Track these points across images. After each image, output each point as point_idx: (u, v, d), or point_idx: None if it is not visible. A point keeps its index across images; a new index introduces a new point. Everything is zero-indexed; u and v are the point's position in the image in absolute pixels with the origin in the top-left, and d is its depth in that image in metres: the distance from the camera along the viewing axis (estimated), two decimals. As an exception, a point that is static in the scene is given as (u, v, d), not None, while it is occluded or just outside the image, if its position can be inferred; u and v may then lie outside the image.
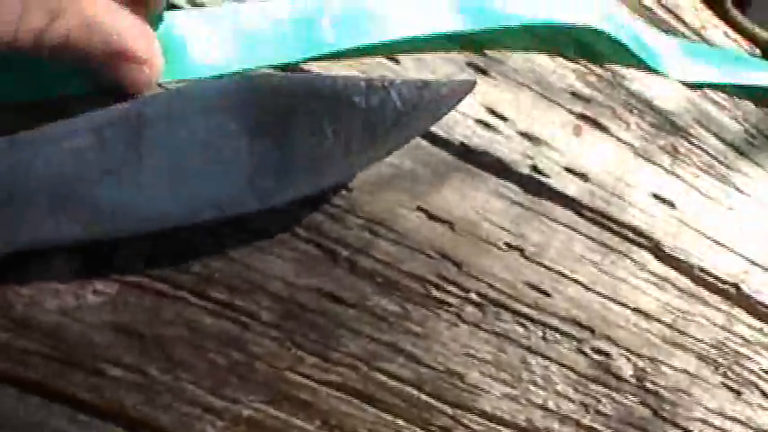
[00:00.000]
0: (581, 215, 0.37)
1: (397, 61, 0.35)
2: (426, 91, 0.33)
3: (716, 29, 0.44)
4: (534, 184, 0.37)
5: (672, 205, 0.38)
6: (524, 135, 0.37)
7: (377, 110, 0.32)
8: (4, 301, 0.29)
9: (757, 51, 0.45)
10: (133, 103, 0.30)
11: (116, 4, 0.30)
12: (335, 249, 0.34)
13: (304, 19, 0.35)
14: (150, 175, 0.30)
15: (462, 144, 0.36)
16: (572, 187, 0.37)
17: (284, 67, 0.34)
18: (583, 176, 0.37)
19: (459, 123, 0.36)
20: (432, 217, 0.35)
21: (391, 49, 0.35)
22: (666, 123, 0.39)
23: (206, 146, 0.31)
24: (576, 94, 0.38)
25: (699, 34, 0.43)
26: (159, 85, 0.31)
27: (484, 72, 0.37)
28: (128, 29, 0.30)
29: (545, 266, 0.36)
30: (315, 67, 0.34)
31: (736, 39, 0.45)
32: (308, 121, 0.32)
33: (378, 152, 0.33)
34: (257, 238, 0.33)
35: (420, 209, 0.35)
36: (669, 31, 0.42)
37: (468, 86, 0.34)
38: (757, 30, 0.45)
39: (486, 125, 0.36)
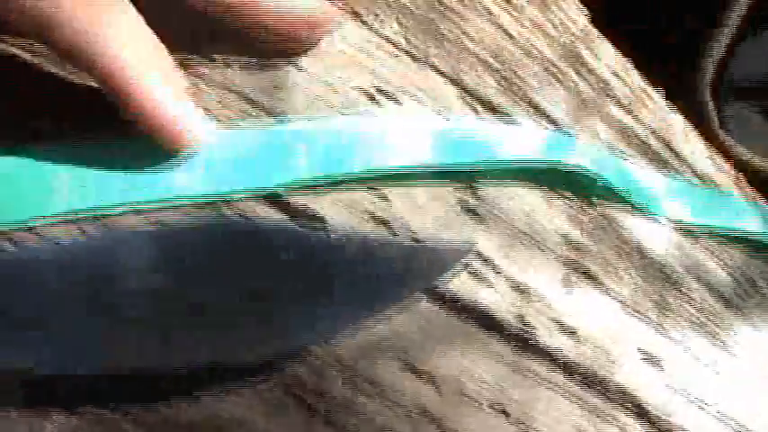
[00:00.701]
0: (568, 374, 0.37)
1: (385, 198, 0.35)
2: (419, 256, 0.34)
3: (704, 156, 0.44)
4: (521, 340, 0.37)
5: (659, 366, 0.38)
6: (514, 286, 0.37)
7: (366, 273, 0.33)
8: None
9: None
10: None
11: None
12: (313, 403, 0.34)
13: (279, 144, 0.35)
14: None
15: (450, 296, 0.36)
16: (559, 344, 0.37)
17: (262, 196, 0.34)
18: (571, 332, 0.37)
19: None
20: (417, 374, 0.35)
21: (375, 181, 0.36)
22: (656, 271, 0.40)
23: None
24: (567, 239, 0.38)
25: (687, 163, 0.43)
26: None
27: (475, 214, 0.37)
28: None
29: (529, 428, 0.36)
30: (297, 199, 0.34)
31: (723, 167, 0.45)
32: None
33: (365, 315, 0.34)
34: (231, 382, 0.33)
35: (405, 364, 0.35)
36: (660, 161, 0.42)
37: (464, 252, 0.35)
38: (754, 158, 0.45)
39: (476, 275, 0.36)
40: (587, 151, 0.39)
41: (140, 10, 0.31)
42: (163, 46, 0.32)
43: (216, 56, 0.36)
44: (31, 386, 0.31)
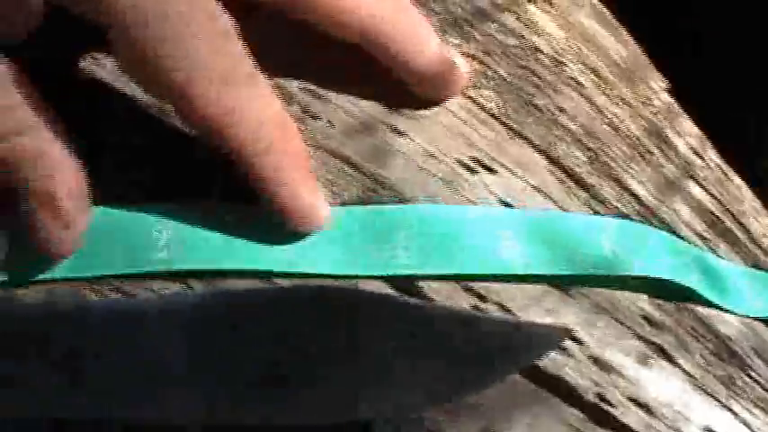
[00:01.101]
0: None
1: (483, 298, 0.38)
2: (520, 333, 0.35)
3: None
4: (599, 413, 0.38)
5: (724, 444, 0.39)
6: (595, 361, 0.38)
7: (468, 343, 0.35)
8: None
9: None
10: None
11: None
12: None
13: (377, 230, 0.37)
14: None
15: (535, 366, 0.37)
16: (634, 419, 0.39)
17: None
18: (645, 408, 0.39)
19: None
20: None
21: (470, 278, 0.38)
22: (726, 352, 0.42)
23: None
24: (647, 319, 0.40)
25: (759, 245, 0.46)
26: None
27: (562, 289, 0.39)
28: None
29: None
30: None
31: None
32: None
33: (458, 392, 0.35)
34: None
35: (485, 430, 0.37)
36: (732, 240, 0.45)
37: (562, 336, 0.36)
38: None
39: (562, 348, 0.38)
40: (670, 246, 0.41)
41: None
42: (290, 120, 0.34)
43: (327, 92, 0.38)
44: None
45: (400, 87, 0.38)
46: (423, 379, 0.34)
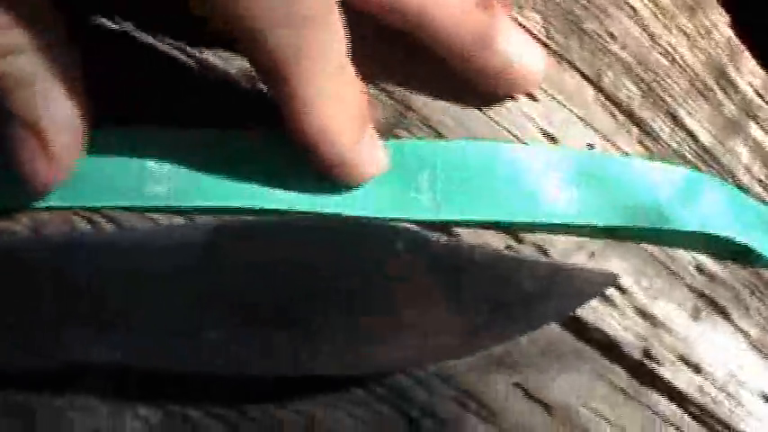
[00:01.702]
0: (687, 411, 0.37)
1: (519, 239, 0.36)
2: (560, 277, 0.33)
3: None
4: (644, 372, 0.37)
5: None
6: (641, 313, 0.37)
7: (503, 286, 0.32)
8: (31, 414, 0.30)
9: None
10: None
11: None
12: (418, 417, 0.33)
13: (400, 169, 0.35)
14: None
15: (575, 316, 0.35)
16: (682, 379, 0.37)
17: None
18: (695, 368, 0.37)
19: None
20: (529, 396, 0.35)
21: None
22: None
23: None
24: (700, 269, 0.38)
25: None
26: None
27: (611, 234, 0.37)
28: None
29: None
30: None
31: None
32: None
33: (501, 334, 0.33)
34: (327, 391, 0.33)
35: (518, 386, 0.35)
36: None
37: (608, 280, 0.34)
38: None
39: (604, 297, 0.36)
40: (733, 200, 0.39)
41: None
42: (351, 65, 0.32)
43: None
44: (119, 379, 0.32)
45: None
46: (441, 328, 0.32)
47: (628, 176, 0.36)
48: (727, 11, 0.45)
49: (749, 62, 0.44)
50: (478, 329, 0.32)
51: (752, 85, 0.43)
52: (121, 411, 0.32)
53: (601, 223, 0.36)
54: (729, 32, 0.44)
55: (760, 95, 0.43)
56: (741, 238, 0.37)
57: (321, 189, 0.34)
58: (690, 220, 0.36)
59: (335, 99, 0.31)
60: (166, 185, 0.33)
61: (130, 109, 0.33)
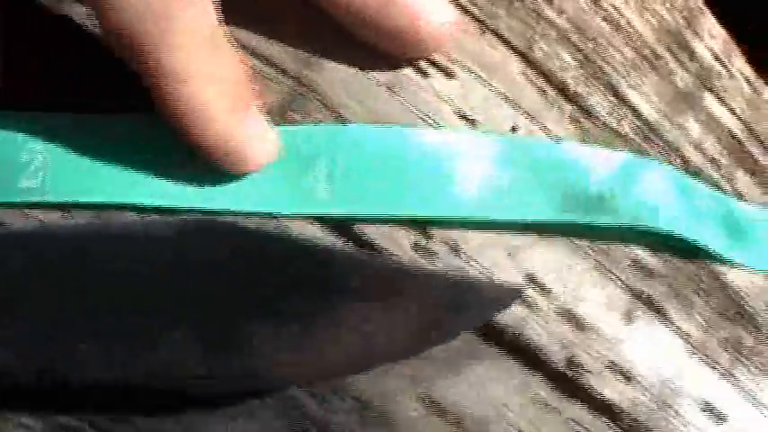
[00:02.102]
0: (617, 425, 0.35)
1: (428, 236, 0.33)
2: (470, 294, 0.32)
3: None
4: (568, 381, 0.34)
5: (722, 420, 0.35)
6: (566, 315, 0.35)
7: (413, 306, 0.31)
8: None
9: None
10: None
11: None
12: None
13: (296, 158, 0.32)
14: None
15: (490, 322, 0.33)
16: (611, 389, 0.35)
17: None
18: (626, 376, 0.35)
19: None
20: (436, 408, 0.33)
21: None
22: (734, 308, 0.38)
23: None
24: (637, 264, 0.36)
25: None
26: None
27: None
28: None
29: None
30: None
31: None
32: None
33: (408, 352, 0.32)
34: (217, 401, 0.32)
35: (424, 398, 0.33)
36: (750, 161, 0.40)
37: (515, 295, 0.33)
38: None
39: (523, 300, 0.34)
40: (675, 186, 0.36)
41: None
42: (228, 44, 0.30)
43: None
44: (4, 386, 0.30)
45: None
46: (346, 340, 0.31)
47: (555, 163, 0.34)
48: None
49: (709, 22, 0.40)
50: (367, 347, 0.31)
51: (710, 50, 0.40)
52: (5, 420, 0.31)
53: (523, 218, 0.33)
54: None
55: (719, 60, 0.40)
56: (685, 232, 0.34)
57: (205, 180, 0.32)
58: (625, 213, 0.34)
59: (206, 74, 0.29)
60: (41, 179, 0.31)
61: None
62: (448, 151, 0.33)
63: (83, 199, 0.31)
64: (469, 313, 0.32)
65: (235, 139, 0.30)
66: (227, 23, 0.30)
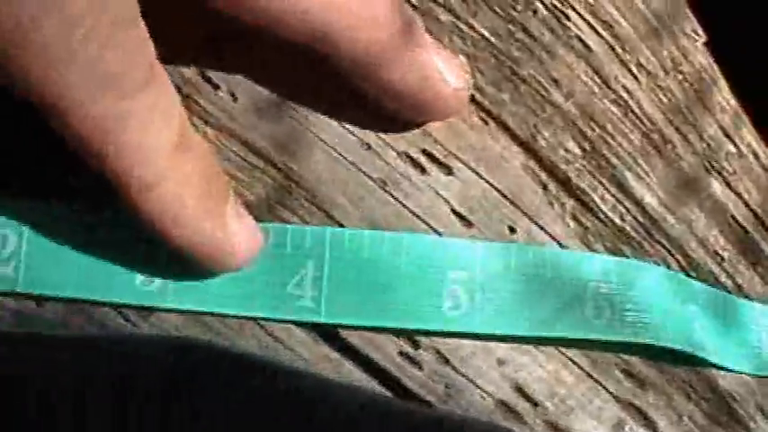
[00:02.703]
0: None
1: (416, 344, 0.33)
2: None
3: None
4: None
5: None
6: (554, 428, 0.35)
7: None
8: None
9: None
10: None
11: None
12: None
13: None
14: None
15: None
16: None
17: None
18: None
19: (477, 408, 0.33)
20: None
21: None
22: (725, 413, 0.38)
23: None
24: (628, 373, 0.36)
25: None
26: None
27: None
28: None
29: None
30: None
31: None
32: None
33: None
34: None
35: None
36: (756, 262, 0.40)
37: None
38: None
39: (511, 411, 0.34)
40: (672, 294, 0.35)
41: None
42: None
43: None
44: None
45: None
46: None
47: (552, 273, 0.34)
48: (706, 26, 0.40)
49: (721, 94, 0.39)
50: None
51: (720, 126, 0.39)
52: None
53: (513, 333, 0.33)
54: (702, 59, 0.39)
55: (729, 136, 0.39)
56: (681, 345, 0.34)
57: (180, 277, 0.31)
58: (621, 328, 0.33)
59: (175, 177, 0.28)
60: (13, 266, 0.30)
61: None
62: (441, 259, 0.33)
63: (54, 293, 0.31)
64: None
65: (214, 239, 0.30)
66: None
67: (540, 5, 0.36)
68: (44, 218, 0.31)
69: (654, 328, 0.35)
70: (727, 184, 0.40)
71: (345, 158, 0.33)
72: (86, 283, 0.31)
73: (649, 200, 0.37)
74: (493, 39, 0.35)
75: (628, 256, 0.36)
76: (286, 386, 0.30)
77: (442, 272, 0.33)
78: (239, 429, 0.29)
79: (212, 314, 0.31)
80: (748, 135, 0.41)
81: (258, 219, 0.31)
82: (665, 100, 0.38)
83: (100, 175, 0.28)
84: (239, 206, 0.31)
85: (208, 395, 0.29)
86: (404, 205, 0.33)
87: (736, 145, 0.40)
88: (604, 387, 0.35)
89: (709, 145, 0.39)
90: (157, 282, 0.31)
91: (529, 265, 0.33)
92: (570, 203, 0.35)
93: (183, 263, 0.30)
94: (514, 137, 0.35)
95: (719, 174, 0.39)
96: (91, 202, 0.31)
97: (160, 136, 0.27)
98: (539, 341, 0.34)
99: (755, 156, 0.41)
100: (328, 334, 0.32)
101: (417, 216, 0.33)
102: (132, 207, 0.28)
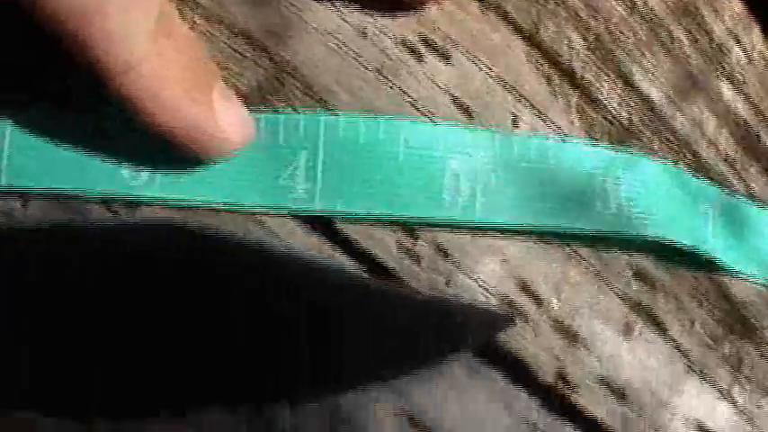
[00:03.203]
0: None
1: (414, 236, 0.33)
2: (459, 320, 0.31)
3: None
4: (556, 399, 0.34)
5: (716, 440, 0.35)
6: (559, 328, 0.34)
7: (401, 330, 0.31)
8: None
9: None
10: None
11: None
12: None
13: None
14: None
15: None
16: (603, 408, 0.35)
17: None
18: (620, 394, 0.35)
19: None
20: (414, 425, 0.32)
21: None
22: (737, 321, 0.38)
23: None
24: (639, 275, 0.36)
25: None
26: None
27: None
28: None
29: None
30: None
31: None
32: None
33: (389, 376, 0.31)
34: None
35: (401, 412, 0.32)
36: (758, 151, 0.39)
37: (508, 323, 0.32)
38: None
39: (514, 308, 0.33)
40: (683, 191, 0.35)
41: None
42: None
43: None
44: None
45: None
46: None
47: (556, 164, 0.34)
48: None
49: (732, -2, 0.39)
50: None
51: (728, 29, 0.39)
52: None
53: (517, 223, 0.33)
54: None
55: (737, 40, 0.39)
56: (691, 243, 0.34)
57: (168, 167, 0.31)
58: (628, 222, 0.33)
59: (158, 60, 0.28)
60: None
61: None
62: (440, 148, 0.32)
63: (42, 185, 0.30)
64: (457, 340, 0.31)
65: (198, 123, 0.29)
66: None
67: None
68: (29, 112, 0.30)
69: (662, 225, 0.34)
70: (737, 88, 0.39)
71: (340, 46, 0.32)
72: (72, 175, 0.30)
73: (656, 96, 0.36)
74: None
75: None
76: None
77: (443, 161, 0.32)
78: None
79: (202, 207, 0.31)
80: (758, 40, 0.41)
81: (250, 110, 0.31)
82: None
83: (84, 64, 0.27)
84: (229, 93, 0.30)
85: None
86: (402, 94, 0.32)
87: (744, 49, 0.40)
88: (613, 288, 0.35)
89: (717, 46, 0.39)
90: (145, 175, 0.30)
91: (532, 156, 0.33)
92: (574, 97, 0.35)
93: (170, 152, 0.30)
94: (516, 27, 0.34)
95: (729, 77, 0.39)
96: (78, 104, 0.30)
97: (139, 21, 0.27)
98: (543, 237, 0.34)
99: (765, 60, 0.41)
100: (325, 227, 0.32)
101: (415, 106, 0.32)
102: (114, 89, 0.28)
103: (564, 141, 0.34)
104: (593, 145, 0.34)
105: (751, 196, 0.38)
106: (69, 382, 0.29)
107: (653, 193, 0.34)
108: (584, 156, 0.34)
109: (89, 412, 0.29)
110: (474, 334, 0.31)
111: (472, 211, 0.32)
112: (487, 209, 0.32)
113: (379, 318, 0.30)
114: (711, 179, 0.37)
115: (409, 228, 0.32)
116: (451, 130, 0.32)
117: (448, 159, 0.32)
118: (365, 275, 0.32)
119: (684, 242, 0.35)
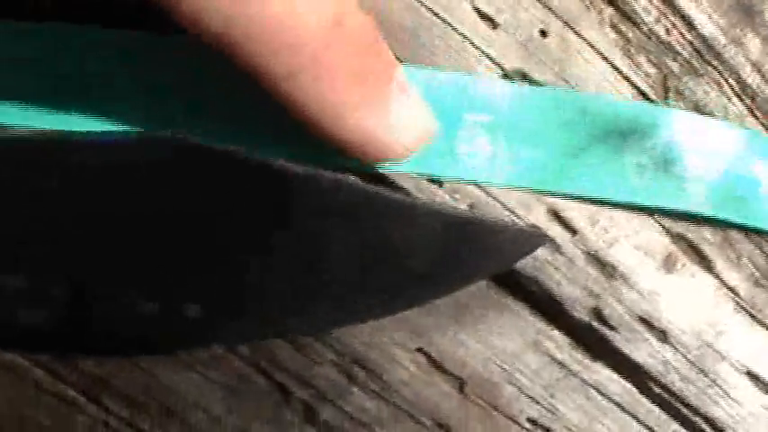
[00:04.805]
0: (645, 393, 0.34)
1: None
2: (484, 236, 0.29)
3: None
4: (591, 338, 0.34)
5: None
6: (595, 261, 0.34)
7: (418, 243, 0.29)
8: None
9: None
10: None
11: None
12: (290, 387, 0.31)
13: None
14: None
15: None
16: (643, 349, 0.34)
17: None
18: (661, 334, 0.34)
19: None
20: (435, 366, 0.32)
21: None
22: None
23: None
24: None
25: None
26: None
27: None
28: None
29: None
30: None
31: None
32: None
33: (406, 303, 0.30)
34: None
35: (421, 352, 0.32)
36: None
37: (537, 242, 0.31)
38: None
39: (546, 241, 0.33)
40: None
41: None
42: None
43: None
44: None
45: None
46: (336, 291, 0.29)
47: (584, 109, 0.33)
48: None
49: None
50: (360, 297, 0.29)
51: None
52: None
53: (537, 186, 0.32)
54: None
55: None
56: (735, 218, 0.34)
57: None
58: (666, 182, 0.33)
59: (329, 61, 0.26)
60: None
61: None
62: (457, 101, 0.32)
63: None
64: (482, 260, 0.30)
65: (371, 131, 0.27)
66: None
67: None
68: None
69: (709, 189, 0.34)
70: (784, 10, 0.39)
71: (387, 15, 0.31)
72: None
73: (698, 16, 0.35)
74: None
75: (675, 73, 0.34)
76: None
77: (457, 113, 0.31)
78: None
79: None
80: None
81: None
82: None
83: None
84: (406, 84, 0.28)
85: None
86: (422, 4, 0.32)
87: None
88: (654, 217, 0.34)
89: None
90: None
91: (552, 106, 0.32)
92: (608, 11, 0.34)
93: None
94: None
95: (775, -1, 0.38)
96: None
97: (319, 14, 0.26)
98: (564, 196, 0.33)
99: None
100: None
101: (437, 14, 0.32)
102: (285, 102, 0.26)
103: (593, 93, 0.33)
104: (623, 97, 0.34)
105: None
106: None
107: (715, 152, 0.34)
108: (617, 108, 0.33)
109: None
110: (501, 253, 0.30)
111: (491, 169, 0.32)
112: (495, 173, 0.32)
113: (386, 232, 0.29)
114: (757, 106, 0.36)
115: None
116: (467, 81, 0.32)
117: (463, 113, 0.31)
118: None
119: (732, 219, 0.34)
